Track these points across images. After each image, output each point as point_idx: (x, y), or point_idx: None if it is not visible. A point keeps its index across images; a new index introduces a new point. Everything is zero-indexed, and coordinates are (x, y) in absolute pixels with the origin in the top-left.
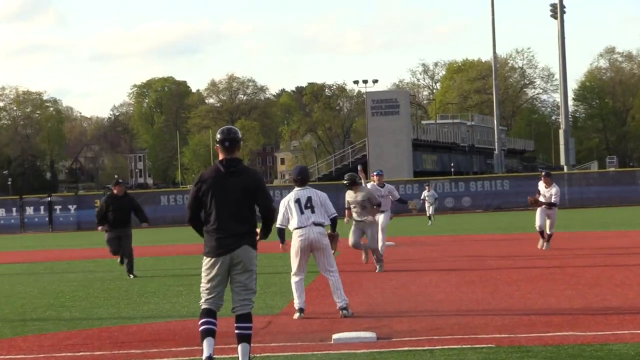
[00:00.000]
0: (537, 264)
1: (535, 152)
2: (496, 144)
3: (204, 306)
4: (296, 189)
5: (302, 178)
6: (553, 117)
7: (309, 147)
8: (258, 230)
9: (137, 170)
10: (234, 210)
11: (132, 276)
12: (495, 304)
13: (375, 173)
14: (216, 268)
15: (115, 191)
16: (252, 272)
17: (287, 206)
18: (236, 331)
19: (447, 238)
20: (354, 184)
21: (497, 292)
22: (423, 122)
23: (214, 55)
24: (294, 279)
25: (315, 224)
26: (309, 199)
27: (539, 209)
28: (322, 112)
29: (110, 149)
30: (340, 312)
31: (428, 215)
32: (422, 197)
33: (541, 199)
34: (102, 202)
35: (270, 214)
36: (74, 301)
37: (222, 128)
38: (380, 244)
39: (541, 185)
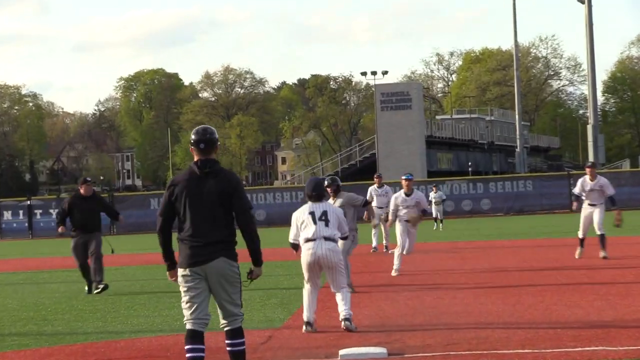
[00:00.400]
0: (563, 273)
1: (561, 150)
2: (518, 140)
3: (187, 326)
4: (310, 203)
5: (317, 194)
6: (580, 112)
7: (313, 145)
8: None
9: (124, 171)
10: (209, 215)
11: (101, 287)
12: (518, 316)
13: (404, 177)
14: (191, 280)
15: (81, 191)
16: (235, 285)
17: (297, 217)
18: (227, 348)
19: (465, 244)
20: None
21: (519, 303)
22: (437, 117)
23: (208, 45)
24: (305, 287)
25: (326, 239)
26: (324, 213)
27: (585, 212)
28: (327, 107)
29: (95, 147)
30: (343, 322)
31: (434, 218)
32: (429, 198)
33: (584, 198)
34: (65, 202)
35: (247, 220)
36: (57, 314)
37: (197, 128)
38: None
39: (586, 180)
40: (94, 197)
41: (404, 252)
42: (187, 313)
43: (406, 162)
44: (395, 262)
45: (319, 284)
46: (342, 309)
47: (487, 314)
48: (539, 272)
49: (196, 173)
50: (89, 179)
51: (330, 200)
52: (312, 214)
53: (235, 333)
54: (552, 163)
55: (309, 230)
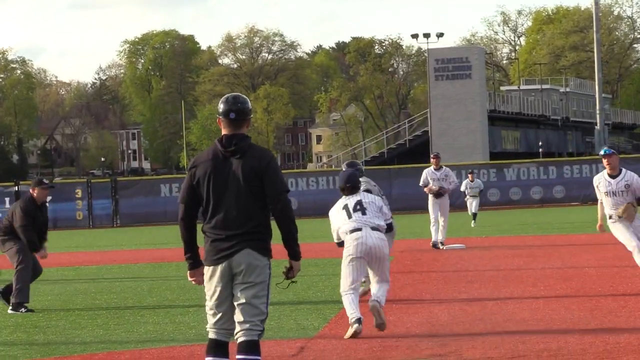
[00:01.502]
0: None
1: None
2: (598, 116)
3: (210, 335)
4: (344, 197)
5: (351, 186)
6: None
7: (354, 121)
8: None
9: (129, 152)
10: (235, 202)
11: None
12: (596, 324)
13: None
14: (215, 280)
15: (35, 195)
16: (260, 286)
17: (333, 215)
18: None
19: (533, 239)
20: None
21: (597, 309)
22: (502, 88)
23: (228, 2)
24: (345, 297)
25: (372, 228)
26: (359, 202)
27: None
28: (371, 76)
29: (95, 123)
30: (371, 302)
31: (471, 212)
32: (462, 188)
33: None
34: (24, 211)
35: (282, 206)
36: (50, 320)
37: (227, 95)
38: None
39: None
40: (45, 205)
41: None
42: (210, 319)
43: (464, 141)
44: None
45: (359, 284)
46: (376, 292)
47: (559, 322)
48: (621, 272)
49: (220, 151)
50: (45, 181)
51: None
52: (345, 207)
53: (250, 347)
54: (638, 143)
55: (349, 221)
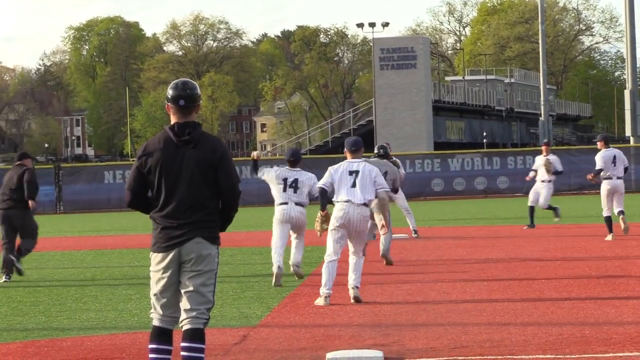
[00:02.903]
0: (592, 265)
1: (593, 119)
2: (542, 107)
3: (154, 322)
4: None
5: (294, 160)
6: (616, 74)
7: (298, 110)
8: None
9: (73, 138)
10: (188, 191)
11: None
12: (539, 316)
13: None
14: (163, 267)
15: None
16: (208, 274)
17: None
18: (182, 353)
19: (477, 230)
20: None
21: (541, 300)
22: (447, 78)
23: None
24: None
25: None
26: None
27: (605, 189)
28: (316, 64)
29: (39, 109)
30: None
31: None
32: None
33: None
34: None
35: (233, 198)
36: None
37: (176, 81)
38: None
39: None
40: None
41: None
42: (155, 307)
43: (409, 131)
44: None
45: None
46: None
47: (502, 313)
48: (564, 263)
49: (172, 140)
50: None
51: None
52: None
53: (195, 335)
54: (582, 134)
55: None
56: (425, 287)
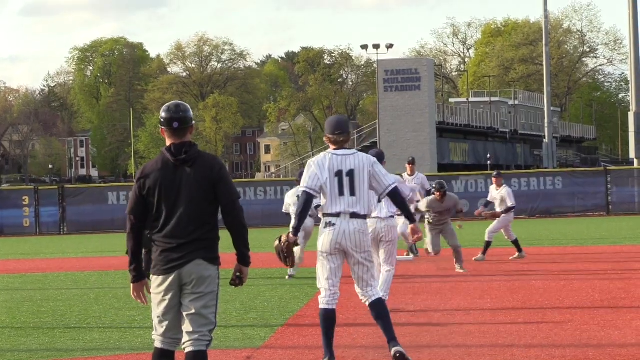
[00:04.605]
0: (596, 286)
1: (597, 141)
2: (546, 129)
3: (156, 344)
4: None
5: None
6: (620, 96)
7: (302, 131)
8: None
9: (77, 159)
10: (188, 209)
11: None
12: (542, 338)
13: None
14: (164, 290)
15: None
16: (210, 296)
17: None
18: None
19: (480, 251)
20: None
21: (544, 321)
22: (451, 100)
23: (180, 10)
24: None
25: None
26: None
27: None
28: (320, 86)
29: (44, 130)
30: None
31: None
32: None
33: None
34: None
35: (235, 211)
36: None
37: (168, 104)
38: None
39: (492, 189)
40: None
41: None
42: (157, 328)
43: (413, 152)
44: None
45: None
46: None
47: (505, 335)
48: (568, 285)
49: (170, 160)
50: None
51: None
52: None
53: (198, 357)
54: (586, 157)
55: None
56: (429, 308)
